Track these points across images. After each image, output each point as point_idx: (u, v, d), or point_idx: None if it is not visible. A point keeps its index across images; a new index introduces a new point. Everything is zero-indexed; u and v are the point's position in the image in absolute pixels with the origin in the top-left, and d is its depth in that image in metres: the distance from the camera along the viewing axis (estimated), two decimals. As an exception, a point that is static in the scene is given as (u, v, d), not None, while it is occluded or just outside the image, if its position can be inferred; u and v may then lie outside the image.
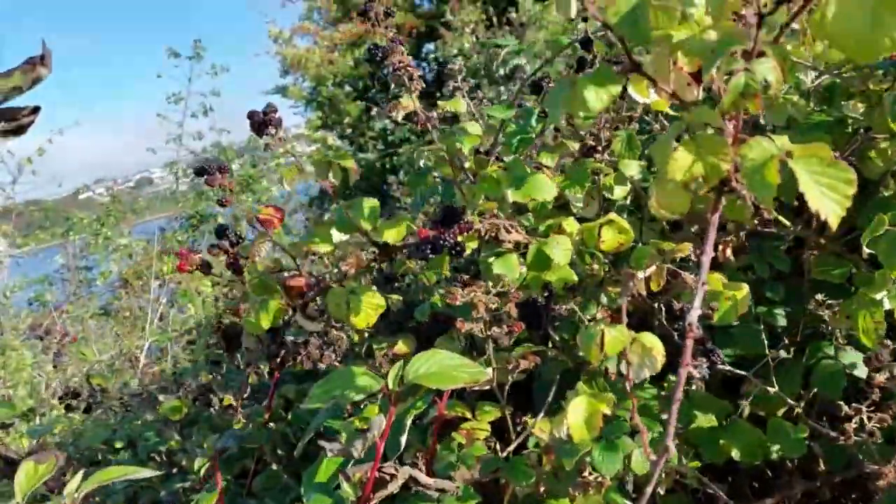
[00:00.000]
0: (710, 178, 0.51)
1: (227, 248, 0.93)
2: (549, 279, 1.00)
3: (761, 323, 1.10)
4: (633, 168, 1.08)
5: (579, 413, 0.64)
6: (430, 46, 9.14)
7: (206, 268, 0.98)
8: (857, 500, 1.13)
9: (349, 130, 8.31)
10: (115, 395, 2.24)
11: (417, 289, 1.70)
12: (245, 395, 1.43)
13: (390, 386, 0.83)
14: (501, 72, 5.48)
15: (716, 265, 1.16)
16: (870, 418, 0.79)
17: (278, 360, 1.04)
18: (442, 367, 0.82)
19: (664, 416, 1.20)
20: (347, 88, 8.79)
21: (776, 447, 1.06)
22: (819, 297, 0.94)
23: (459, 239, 0.84)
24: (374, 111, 8.01)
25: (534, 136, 1.17)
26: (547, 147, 1.23)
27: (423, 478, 0.85)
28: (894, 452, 0.86)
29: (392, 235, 0.95)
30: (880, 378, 0.72)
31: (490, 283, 0.92)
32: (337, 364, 1.13)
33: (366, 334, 1.29)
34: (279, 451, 1.48)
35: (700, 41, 0.48)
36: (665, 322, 1.23)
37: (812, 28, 0.46)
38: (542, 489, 0.99)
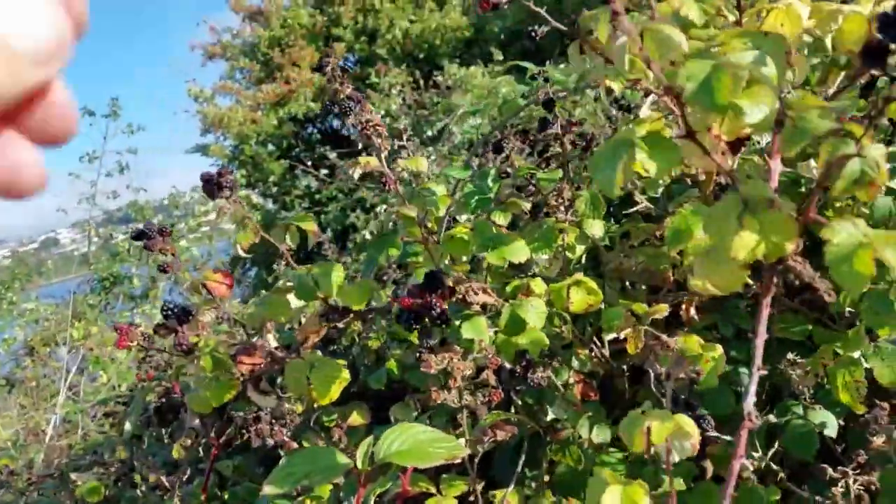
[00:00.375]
0: (770, 258, 0.48)
1: (176, 327, 0.85)
2: (520, 342, 0.96)
3: (728, 383, 1.09)
4: (597, 228, 1.06)
5: None
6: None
7: (147, 341, 0.89)
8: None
9: (274, 189, 8.18)
10: (22, 476, 2.03)
11: (361, 353, 1.63)
12: (186, 476, 1.31)
13: (359, 465, 0.76)
14: (429, 133, 5.53)
15: (679, 324, 1.15)
16: (854, 481, 0.77)
17: (223, 437, 0.95)
18: (416, 442, 0.76)
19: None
20: (271, 147, 8.69)
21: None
22: (790, 356, 0.93)
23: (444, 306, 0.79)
24: (299, 169, 7.94)
25: (491, 196, 1.15)
26: (499, 205, 1.21)
27: (395, 565, 0.77)
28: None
29: (356, 300, 0.89)
30: (878, 441, 0.70)
31: (460, 349, 0.86)
32: (286, 439, 1.05)
33: (314, 405, 1.21)
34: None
35: (805, 123, 0.45)
36: (627, 383, 1.20)
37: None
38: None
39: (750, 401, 0.51)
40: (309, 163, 7.47)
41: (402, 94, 5.78)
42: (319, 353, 0.94)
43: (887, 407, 0.71)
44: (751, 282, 1.11)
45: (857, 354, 0.83)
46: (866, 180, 0.42)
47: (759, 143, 1.10)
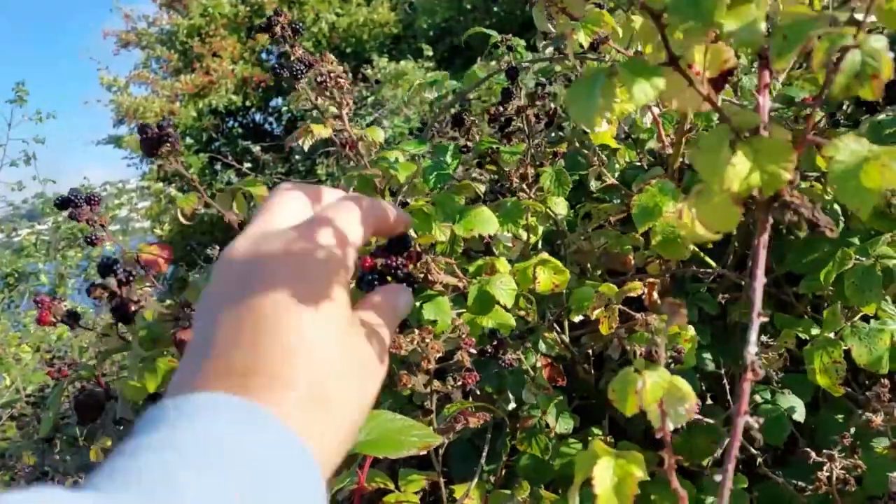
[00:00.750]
0: (766, 190, 0.44)
1: (116, 288, 0.74)
2: (486, 324, 0.90)
3: (693, 367, 1.06)
4: (561, 206, 1.01)
5: (606, 479, 0.53)
6: (279, 101, 8.97)
7: (72, 319, 0.78)
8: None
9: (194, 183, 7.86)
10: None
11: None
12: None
13: (323, 457, 0.68)
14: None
15: (640, 308, 1.11)
16: (844, 467, 0.74)
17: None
18: (386, 431, 0.69)
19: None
20: (189, 140, 8.36)
21: (712, 500, 1.01)
22: (763, 338, 0.91)
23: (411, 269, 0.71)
24: (220, 164, 7.67)
25: (450, 172, 1.08)
26: (453, 187, 1.15)
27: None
28: (861, 499, 0.83)
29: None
30: (877, 420, 0.68)
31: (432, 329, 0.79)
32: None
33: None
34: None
35: (797, 28, 0.40)
36: (587, 370, 1.16)
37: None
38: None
39: (752, 349, 0.47)
40: (230, 157, 7.21)
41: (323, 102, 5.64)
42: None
43: (888, 384, 0.69)
44: (712, 263, 1.10)
45: (833, 335, 0.81)
46: (868, 72, 0.38)
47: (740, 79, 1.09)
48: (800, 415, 0.96)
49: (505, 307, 0.87)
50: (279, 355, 0.36)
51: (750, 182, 0.44)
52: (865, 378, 1.04)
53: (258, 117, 9.40)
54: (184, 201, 0.84)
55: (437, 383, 0.78)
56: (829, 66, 0.38)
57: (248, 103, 8.51)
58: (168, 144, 0.74)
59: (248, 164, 6.38)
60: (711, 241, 0.50)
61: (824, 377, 0.81)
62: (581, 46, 1.03)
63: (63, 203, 0.83)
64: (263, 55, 8.76)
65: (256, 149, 5.55)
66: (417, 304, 0.90)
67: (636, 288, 0.86)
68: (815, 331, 0.94)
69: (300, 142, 0.97)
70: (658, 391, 0.49)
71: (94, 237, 0.83)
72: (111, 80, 8.43)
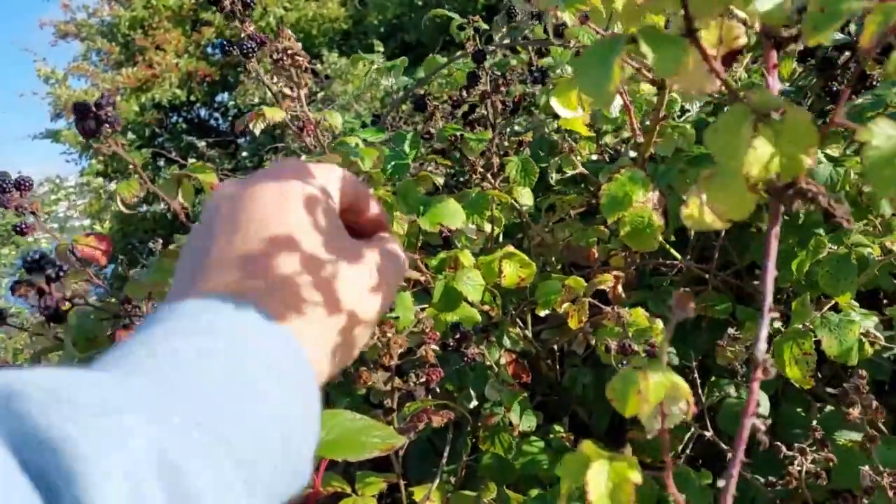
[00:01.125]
0: (784, 175, 0.41)
1: (44, 285, 0.67)
2: (449, 319, 0.86)
3: (656, 363, 1.04)
4: (526, 196, 0.98)
5: (601, 483, 0.49)
6: (224, 96, 8.77)
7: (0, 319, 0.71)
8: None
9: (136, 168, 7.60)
10: None
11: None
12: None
13: (278, 460, 0.63)
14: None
15: (605, 301, 1.09)
16: (813, 460, 0.73)
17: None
18: (345, 431, 0.64)
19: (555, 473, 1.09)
20: (131, 135, 8.09)
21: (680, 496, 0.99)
22: (730, 331, 0.89)
23: None
24: (163, 161, 7.46)
25: (409, 161, 1.04)
26: (411, 178, 1.11)
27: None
28: (826, 493, 0.82)
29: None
30: (855, 412, 0.66)
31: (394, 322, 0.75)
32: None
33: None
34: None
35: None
36: (550, 366, 1.13)
37: None
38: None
39: (762, 346, 0.44)
40: (174, 153, 7.01)
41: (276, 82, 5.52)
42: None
43: (866, 375, 0.68)
44: (678, 255, 1.08)
45: (802, 327, 0.79)
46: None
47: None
48: (764, 409, 0.95)
49: (471, 303, 0.83)
50: (267, 263, 0.37)
51: (770, 167, 0.41)
52: (828, 372, 1.03)
53: (203, 113, 9.17)
54: (124, 187, 0.78)
55: (398, 381, 0.73)
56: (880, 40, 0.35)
57: (192, 98, 8.29)
58: (108, 125, 0.68)
59: (192, 160, 6.19)
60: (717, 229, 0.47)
61: (794, 369, 0.79)
62: (545, 32, 1.00)
63: (-14, 188, 0.76)
64: (209, 49, 8.55)
65: (202, 144, 5.39)
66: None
67: (606, 280, 0.83)
68: (777, 324, 0.93)
69: (251, 125, 0.91)
70: (661, 390, 0.46)
71: (23, 226, 0.76)
72: (49, 72, 8.11)
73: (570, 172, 1.20)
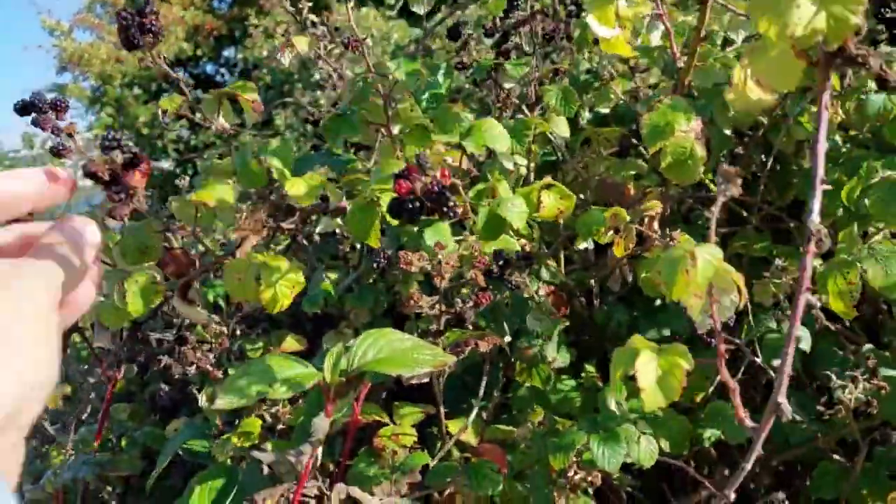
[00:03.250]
0: (831, 38, 0.39)
1: (119, 169, 0.64)
2: (487, 251, 0.84)
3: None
4: (563, 127, 0.96)
5: (651, 372, 0.48)
6: (232, 51, 8.66)
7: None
8: (792, 488, 1.09)
9: (145, 132, 7.55)
10: None
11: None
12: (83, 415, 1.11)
13: (328, 377, 0.62)
14: (317, 76, 5.28)
15: (641, 240, 1.07)
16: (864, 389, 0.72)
17: (139, 364, 0.78)
18: (395, 350, 0.63)
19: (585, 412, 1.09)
20: (137, 90, 8.01)
21: (710, 434, 0.98)
22: (778, 262, 0.88)
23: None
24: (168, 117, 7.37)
25: (443, 91, 1.01)
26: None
27: (367, 498, 0.65)
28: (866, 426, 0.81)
29: (305, 195, 0.74)
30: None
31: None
32: (211, 367, 0.89)
33: (236, 332, 1.04)
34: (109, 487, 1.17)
35: None
36: (585, 304, 1.12)
37: None
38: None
39: (815, 218, 0.43)
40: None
41: (286, 33, 5.44)
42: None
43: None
44: (714, 189, 1.06)
45: (850, 257, 0.77)
46: None
47: None
48: (806, 343, 0.94)
49: (513, 232, 0.82)
50: None
51: (815, 25, 0.39)
52: (868, 312, 1.02)
53: (210, 68, 9.06)
54: (167, 102, 0.76)
55: (444, 306, 0.72)
56: None
57: (199, 52, 8.18)
58: (151, 34, 0.66)
59: (199, 116, 6.13)
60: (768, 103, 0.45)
61: (838, 301, 0.78)
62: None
63: (24, 108, 0.74)
64: (216, 2, 8.42)
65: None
66: (416, 229, 0.85)
67: (655, 206, 0.81)
68: (817, 262, 0.91)
69: (279, 56, 0.89)
70: (710, 270, 0.45)
71: (61, 147, 0.75)
72: (54, 24, 8.00)
73: (603, 110, 1.18)
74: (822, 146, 0.44)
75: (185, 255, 0.71)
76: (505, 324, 0.98)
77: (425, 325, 0.75)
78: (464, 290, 0.76)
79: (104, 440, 1.15)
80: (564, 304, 0.90)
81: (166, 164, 7.27)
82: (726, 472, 1.04)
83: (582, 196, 1.14)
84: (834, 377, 0.73)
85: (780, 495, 0.77)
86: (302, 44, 0.93)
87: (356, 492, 0.66)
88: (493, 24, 0.98)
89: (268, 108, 6.27)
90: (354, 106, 0.90)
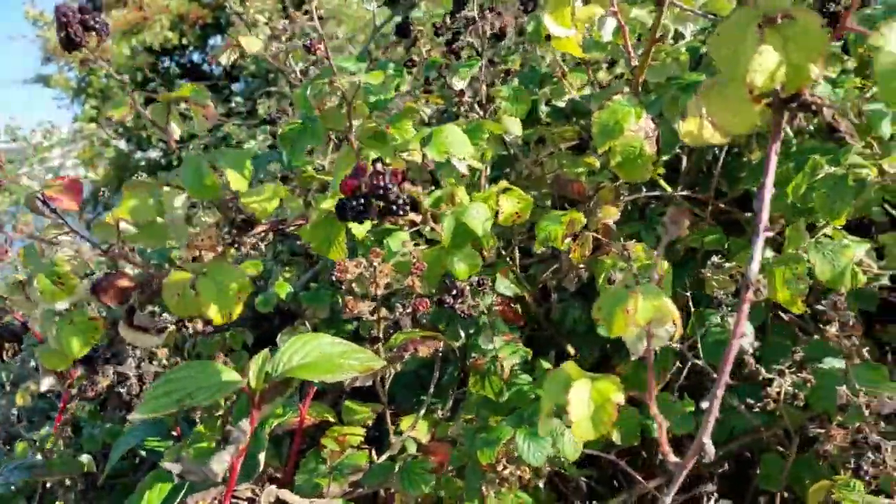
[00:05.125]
0: (789, 86, 0.39)
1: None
2: (454, 267, 0.84)
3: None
4: (515, 126, 0.96)
5: (583, 404, 0.49)
6: (218, 40, 8.59)
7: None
8: (741, 475, 1.10)
9: (129, 124, 7.51)
10: None
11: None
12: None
13: (253, 383, 0.62)
14: (301, 65, 5.25)
15: (598, 245, 1.08)
16: (793, 383, 0.73)
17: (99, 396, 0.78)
18: (323, 354, 0.64)
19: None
20: (124, 77, 7.95)
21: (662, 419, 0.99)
22: (714, 259, 0.88)
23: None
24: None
25: (393, 93, 1.01)
26: (397, 112, 1.08)
27: (294, 498, 0.66)
28: (804, 418, 0.82)
29: (266, 203, 0.73)
30: (831, 331, 0.66)
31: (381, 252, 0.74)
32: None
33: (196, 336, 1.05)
34: (67, 482, 1.18)
35: None
36: (540, 300, 1.13)
37: None
38: (426, 496, 0.84)
39: (755, 267, 0.43)
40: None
41: (269, 23, 5.40)
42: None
43: (844, 293, 0.67)
44: (668, 188, 1.06)
45: (797, 252, 0.78)
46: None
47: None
48: (749, 340, 0.95)
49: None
50: None
51: (776, 76, 0.40)
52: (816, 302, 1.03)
53: (196, 57, 8.99)
54: (115, 108, 0.75)
55: (384, 311, 0.73)
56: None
57: (184, 41, 8.12)
58: (94, 32, 0.65)
59: (185, 106, 6.08)
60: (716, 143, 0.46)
61: (785, 292, 0.78)
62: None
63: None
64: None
65: (194, 88, 5.28)
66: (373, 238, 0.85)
67: (612, 213, 0.82)
68: (768, 253, 0.92)
69: (224, 56, 0.89)
70: (650, 311, 0.46)
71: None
72: (37, 14, 7.93)
73: (559, 104, 1.18)
74: (769, 192, 0.44)
75: (126, 278, 0.71)
76: (458, 326, 0.98)
77: (365, 331, 0.75)
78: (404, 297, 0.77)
79: (66, 438, 1.16)
80: (518, 316, 0.91)
81: (155, 154, 7.24)
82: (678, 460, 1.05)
83: (541, 192, 1.15)
84: (763, 370, 0.74)
85: (710, 487, 0.78)
86: (252, 45, 0.93)
87: (285, 494, 0.67)
88: (442, 22, 0.98)
89: (252, 97, 6.24)
90: (304, 110, 0.89)
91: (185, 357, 1.02)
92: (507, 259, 1.01)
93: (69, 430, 1.20)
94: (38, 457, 1.04)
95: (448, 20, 0.96)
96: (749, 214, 1.03)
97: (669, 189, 1.02)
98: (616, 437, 1.01)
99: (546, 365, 1.07)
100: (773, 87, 0.39)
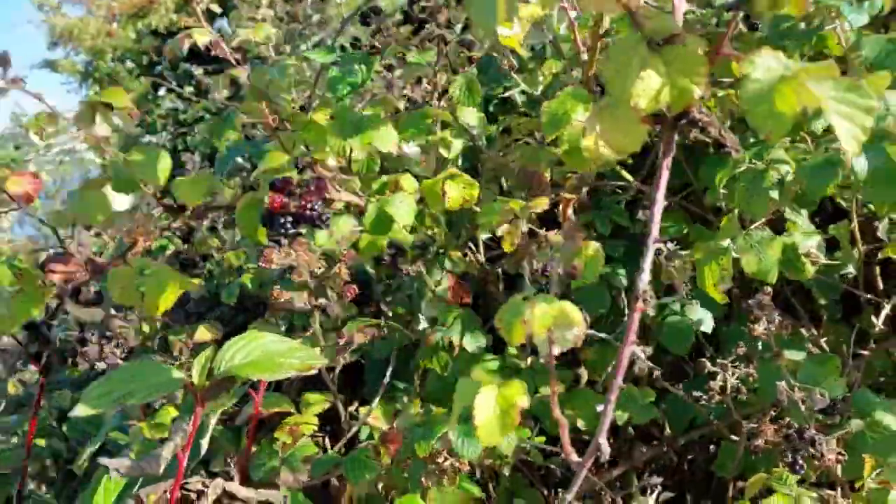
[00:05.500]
0: (675, 106, 0.40)
1: None
2: (382, 244, 0.86)
3: (605, 283, 1.04)
4: (471, 117, 0.96)
5: (489, 409, 0.50)
6: (224, 22, 8.58)
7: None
8: (701, 463, 1.11)
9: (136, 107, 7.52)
10: None
11: (222, 273, 1.48)
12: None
13: (196, 381, 0.64)
14: (304, 47, 5.26)
15: (555, 223, 1.08)
16: (733, 374, 0.73)
17: (43, 362, 0.81)
18: (265, 353, 0.65)
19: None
20: (129, 64, 7.96)
21: (623, 414, 1.01)
22: (669, 246, 0.89)
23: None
24: (162, 90, 7.36)
25: (360, 81, 1.02)
26: (373, 100, 1.08)
27: (241, 490, 0.68)
28: (746, 408, 0.83)
29: (191, 195, 0.75)
30: (759, 329, 0.66)
31: (313, 244, 0.75)
32: (120, 362, 0.91)
33: (158, 325, 1.07)
34: (51, 473, 1.21)
35: None
36: (500, 289, 1.14)
37: None
38: (384, 485, 0.86)
39: (645, 278, 0.44)
40: (174, 82, 6.89)
41: (272, 4, 5.38)
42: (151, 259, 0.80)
43: (770, 291, 0.68)
44: (629, 177, 1.07)
45: (726, 243, 0.79)
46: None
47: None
48: (707, 326, 0.96)
49: (407, 226, 0.83)
50: None
51: (659, 99, 0.41)
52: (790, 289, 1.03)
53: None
54: (107, 95, 0.77)
55: (321, 299, 0.74)
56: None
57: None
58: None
59: (189, 89, 6.10)
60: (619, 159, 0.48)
61: (712, 288, 0.79)
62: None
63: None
64: (205, -27, 8.29)
65: (199, 72, 5.29)
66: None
67: (541, 204, 0.82)
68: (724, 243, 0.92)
69: (182, 47, 0.90)
70: (547, 320, 0.47)
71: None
72: (42, -2, 7.96)
73: (506, 94, 1.18)
74: (660, 205, 0.45)
75: (74, 262, 0.73)
76: (420, 314, 1.00)
77: (300, 322, 0.77)
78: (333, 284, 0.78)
79: (45, 425, 1.19)
80: (466, 293, 0.92)
81: (161, 137, 7.27)
82: (644, 448, 1.07)
83: (507, 182, 1.15)
84: (708, 364, 0.75)
85: (656, 480, 0.79)
86: (202, 37, 0.94)
87: (232, 486, 0.69)
88: (405, 12, 0.98)
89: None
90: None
91: (155, 350, 1.04)
92: (469, 243, 1.02)
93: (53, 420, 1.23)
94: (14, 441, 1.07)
95: (414, 9, 0.96)
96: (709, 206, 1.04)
97: (631, 179, 1.03)
98: (581, 423, 1.03)
99: (512, 352, 1.09)
100: (657, 108, 0.40)
